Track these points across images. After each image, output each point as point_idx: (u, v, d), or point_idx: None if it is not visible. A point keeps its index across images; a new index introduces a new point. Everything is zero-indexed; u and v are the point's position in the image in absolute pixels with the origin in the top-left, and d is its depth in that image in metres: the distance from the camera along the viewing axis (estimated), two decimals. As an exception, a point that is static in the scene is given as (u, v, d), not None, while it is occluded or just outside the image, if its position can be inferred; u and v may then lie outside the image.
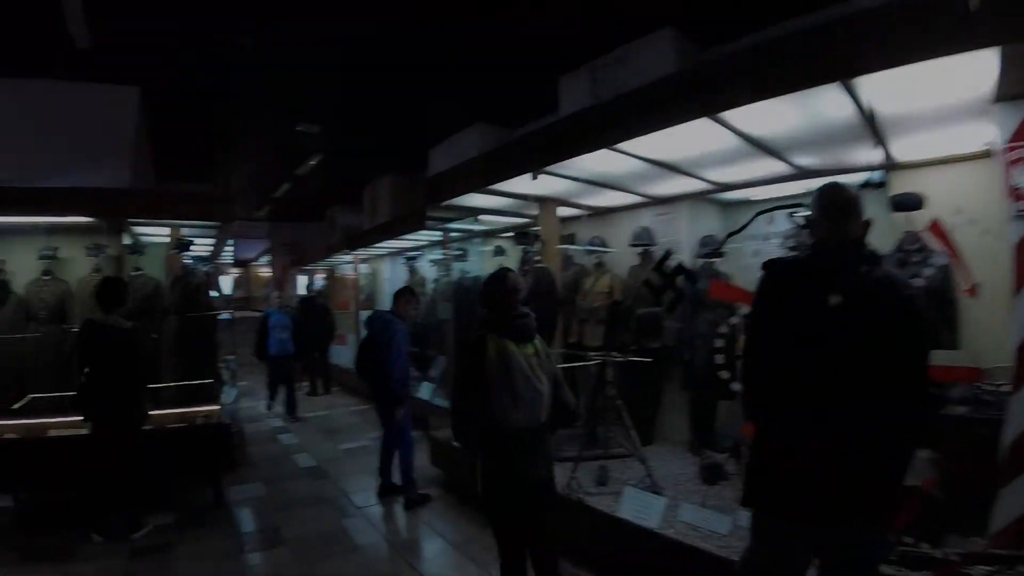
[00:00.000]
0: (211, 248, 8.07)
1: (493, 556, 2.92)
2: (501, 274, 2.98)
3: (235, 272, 17.43)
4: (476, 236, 8.11)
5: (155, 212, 6.27)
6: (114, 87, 6.82)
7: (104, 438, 4.24)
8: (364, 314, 8.00)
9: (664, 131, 3.54)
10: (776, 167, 4.48)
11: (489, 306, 2.95)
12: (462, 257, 8.37)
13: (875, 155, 3.96)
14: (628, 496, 3.82)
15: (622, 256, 6.11)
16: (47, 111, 6.50)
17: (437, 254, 9.21)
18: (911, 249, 3.97)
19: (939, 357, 2.86)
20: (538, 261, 5.96)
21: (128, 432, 4.31)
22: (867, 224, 2.14)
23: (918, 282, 3.81)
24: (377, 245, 10.16)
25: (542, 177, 4.82)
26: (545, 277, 5.85)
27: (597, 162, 4.41)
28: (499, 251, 7.53)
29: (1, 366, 5.92)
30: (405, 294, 5.24)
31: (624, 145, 3.97)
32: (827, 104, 3.13)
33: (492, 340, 2.80)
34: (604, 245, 6.18)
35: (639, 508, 3.72)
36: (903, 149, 3.96)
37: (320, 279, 14.44)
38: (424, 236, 8.74)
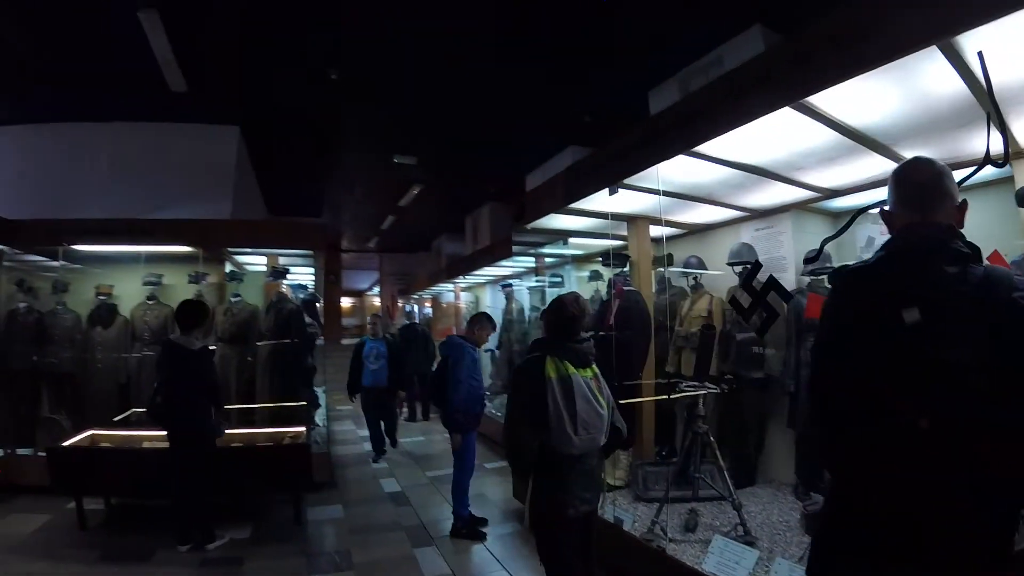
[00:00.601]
0: (312, 277, 8.30)
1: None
2: (562, 300, 2.96)
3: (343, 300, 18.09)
4: (569, 261, 7.85)
5: (250, 242, 6.53)
6: (215, 127, 7.25)
7: (176, 449, 4.36)
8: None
9: (746, 127, 3.08)
10: (883, 165, 3.75)
11: (552, 331, 2.92)
12: (559, 283, 8.10)
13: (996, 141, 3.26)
14: (716, 546, 3.36)
15: (722, 277, 5.55)
16: (155, 151, 7.07)
17: (532, 281, 8.99)
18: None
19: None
20: (627, 284, 5.57)
21: (198, 445, 4.38)
22: (962, 208, 1.64)
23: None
24: (475, 273, 10.17)
25: (629, 194, 4.50)
26: (635, 301, 5.43)
27: (678, 171, 4.00)
28: (595, 275, 7.18)
29: (107, 381, 6.32)
30: (480, 319, 5.04)
31: (705, 148, 3.55)
32: (929, 78, 2.58)
33: (552, 362, 2.75)
34: (702, 265, 5.67)
35: (726, 560, 3.25)
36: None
37: (424, 307, 14.68)
38: (520, 263, 8.63)
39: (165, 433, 4.38)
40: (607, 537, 3.65)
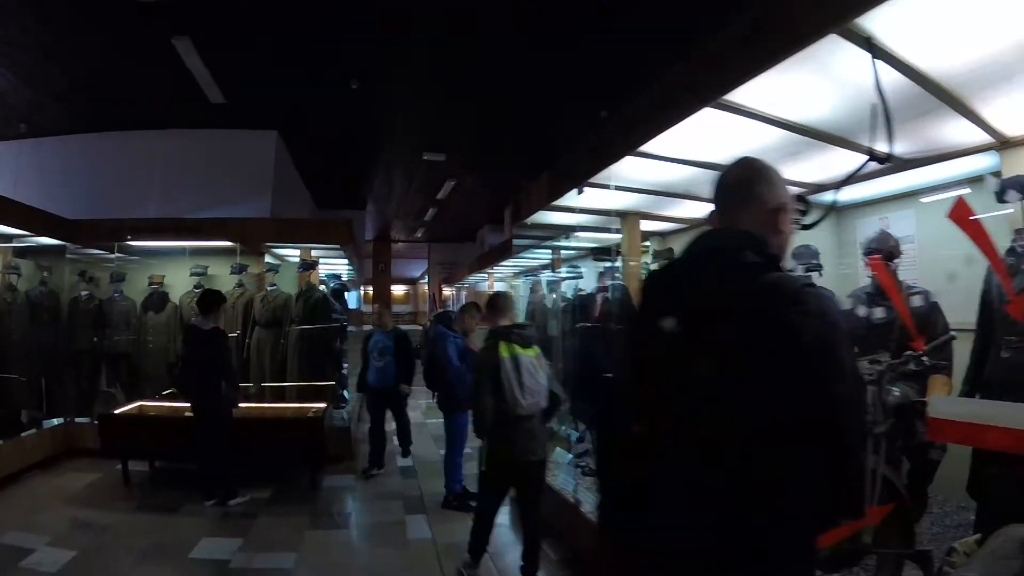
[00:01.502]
0: (348, 268, 8.95)
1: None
2: (492, 296, 4.05)
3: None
4: (587, 254, 8.11)
5: (283, 237, 7.23)
6: (254, 132, 8.00)
7: (196, 417, 5.11)
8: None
9: (683, 129, 3.28)
10: (856, 159, 3.80)
11: (490, 319, 3.83)
12: (577, 275, 8.39)
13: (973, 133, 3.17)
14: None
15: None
16: (202, 155, 7.85)
17: (550, 273, 9.31)
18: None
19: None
20: (617, 278, 5.86)
21: (213, 414, 5.05)
22: (777, 212, 1.49)
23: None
24: (502, 264, 10.59)
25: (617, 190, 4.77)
26: (619, 295, 5.72)
27: (635, 170, 4.27)
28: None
29: (158, 360, 7.10)
30: (467, 309, 5.46)
31: (651, 148, 3.75)
32: (848, 67, 2.53)
33: (504, 345, 3.55)
34: None
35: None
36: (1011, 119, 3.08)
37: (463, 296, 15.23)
38: (544, 255, 8.94)
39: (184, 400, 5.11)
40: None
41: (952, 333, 3.38)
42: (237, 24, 5.79)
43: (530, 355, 3.60)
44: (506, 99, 7.67)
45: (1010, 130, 3.25)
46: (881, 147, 2.28)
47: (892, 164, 2.38)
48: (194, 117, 7.88)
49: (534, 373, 3.56)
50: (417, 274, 23.98)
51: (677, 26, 5.51)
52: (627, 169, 4.24)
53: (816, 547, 1.42)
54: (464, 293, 16.08)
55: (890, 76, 2.54)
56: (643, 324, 1.54)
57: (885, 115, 2.32)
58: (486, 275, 12.73)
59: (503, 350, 3.51)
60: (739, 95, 2.89)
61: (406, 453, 6.88)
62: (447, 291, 18.58)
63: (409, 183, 12.04)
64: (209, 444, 5.04)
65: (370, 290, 18.53)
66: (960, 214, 2.71)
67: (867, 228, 4.61)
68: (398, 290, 25.11)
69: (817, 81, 2.71)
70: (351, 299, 9.21)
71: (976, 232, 2.73)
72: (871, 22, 2.21)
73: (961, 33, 2.31)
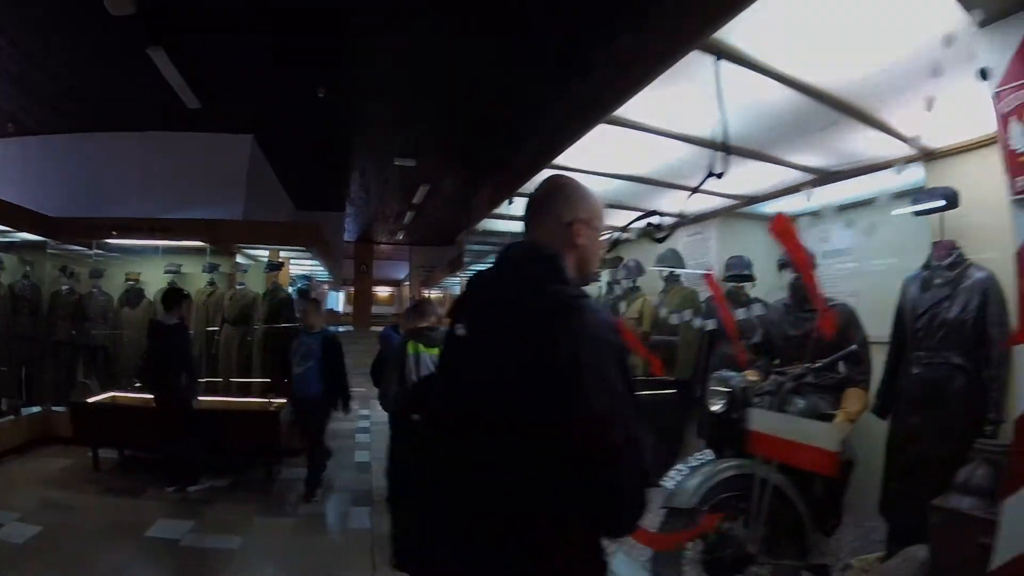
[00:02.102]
0: (317, 269, 9.31)
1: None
2: (420, 301, 4.68)
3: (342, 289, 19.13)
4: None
5: (252, 238, 7.62)
6: (229, 136, 8.36)
7: (161, 408, 5.48)
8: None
9: (585, 144, 3.80)
10: (777, 172, 4.16)
11: (415, 321, 4.24)
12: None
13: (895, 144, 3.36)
14: None
15: (656, 281, 5.95)
16: (178, 158, 8.21)
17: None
18: (939, 266, 3.34)
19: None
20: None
21: (174, 404, 5.44)
22: (572, 226, 1.50)
23: (950, 310, 3.22)
24: (472, 268, 10.96)
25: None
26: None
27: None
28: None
29: (133, 353, 7.40)
30: (413, 309, 5.70)
31: (565, 162, 4.19)
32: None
33: (411, 343, 3.99)
34: (640, 269, 6.08)
35: None
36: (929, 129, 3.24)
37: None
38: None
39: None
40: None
41: (854, 346, 3.36)
42: (210, 33, 6.15)
43: (432, 352, 3.99)
44: (469, 107, 8.03)
45: (934, 143, 3.47)
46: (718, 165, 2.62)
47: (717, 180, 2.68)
48: (172, 120, 8.24)
49: (431, 367, 3.92)
50: (401, 276, 24.38)
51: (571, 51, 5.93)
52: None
53: (600, 556, 1.44)
54: (443, 295, 16.47)
55: (783, 93, 2.87)
56: (450, 325, 1.64)
57: (723, 140, 2.61)
58: (459, 278, 13.13)
59: (411, 347, 3.97)
60: (630, 111, 3.31)
61: (309, 496, 5.53)
62: (426, 293, 18.95)
63: (384, 187, 12.42)
64: (172, 433, 5.40)
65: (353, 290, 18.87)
66: (779, 228, 2.85)
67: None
68: (384, 291, 25.48)
69: (697, 94, 2.92)
70: (330, 300, 9.56)
71: (793, 246, 2.91)
72: (737, 38, 2.49)
73: (852, 47, 2.53)
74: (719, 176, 2.60)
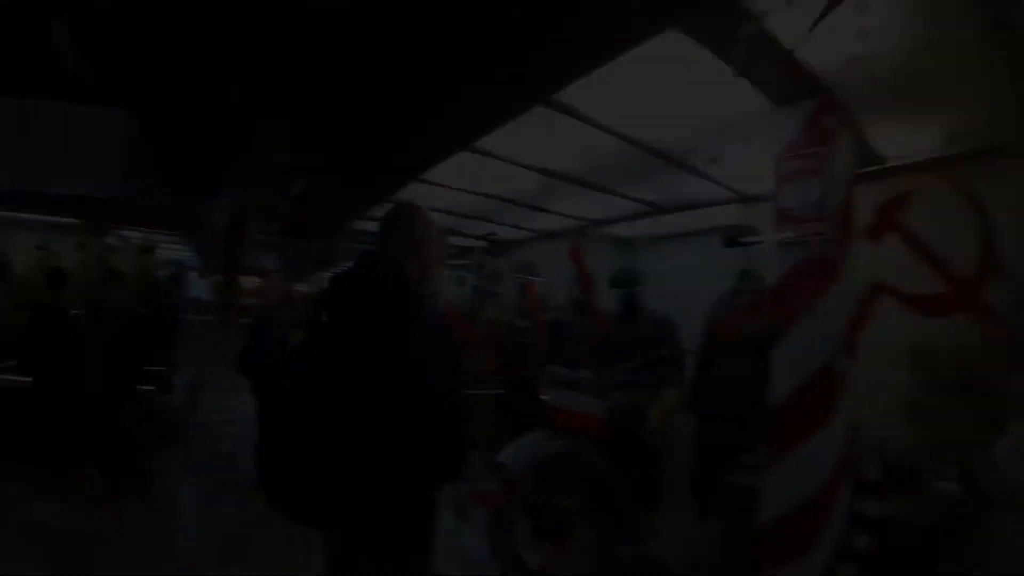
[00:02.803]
0: (190, 254, 9.34)
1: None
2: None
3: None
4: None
5: (123, 219, 7.62)
6: (108, 110, 8.18)
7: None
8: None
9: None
10: (619, 202, 5.22)
11: None
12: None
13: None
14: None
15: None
16: (49, 128, 7.93)
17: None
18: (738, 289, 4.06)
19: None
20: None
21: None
22: (415, 244, 2.08)
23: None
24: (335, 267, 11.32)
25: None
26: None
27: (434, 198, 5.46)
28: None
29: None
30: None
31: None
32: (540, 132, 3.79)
33: None
34: (500, 277, 6.65)
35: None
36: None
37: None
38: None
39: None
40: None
41: (662, 351, 4.02)
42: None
43: None
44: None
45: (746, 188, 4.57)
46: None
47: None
48: (53, 88, 7.97)
49: None
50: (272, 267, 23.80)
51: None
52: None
53: (431, 500, 1.95)
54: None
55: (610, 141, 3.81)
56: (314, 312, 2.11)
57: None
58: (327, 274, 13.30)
59: None
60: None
61: None
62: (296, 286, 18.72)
63: (263, 176, 12.38)
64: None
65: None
66: (572, 255, 4.09)
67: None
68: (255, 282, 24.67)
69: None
70: (199, 287, 9.57)
71: (581, 269, 4.14)
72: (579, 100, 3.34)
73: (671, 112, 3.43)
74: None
